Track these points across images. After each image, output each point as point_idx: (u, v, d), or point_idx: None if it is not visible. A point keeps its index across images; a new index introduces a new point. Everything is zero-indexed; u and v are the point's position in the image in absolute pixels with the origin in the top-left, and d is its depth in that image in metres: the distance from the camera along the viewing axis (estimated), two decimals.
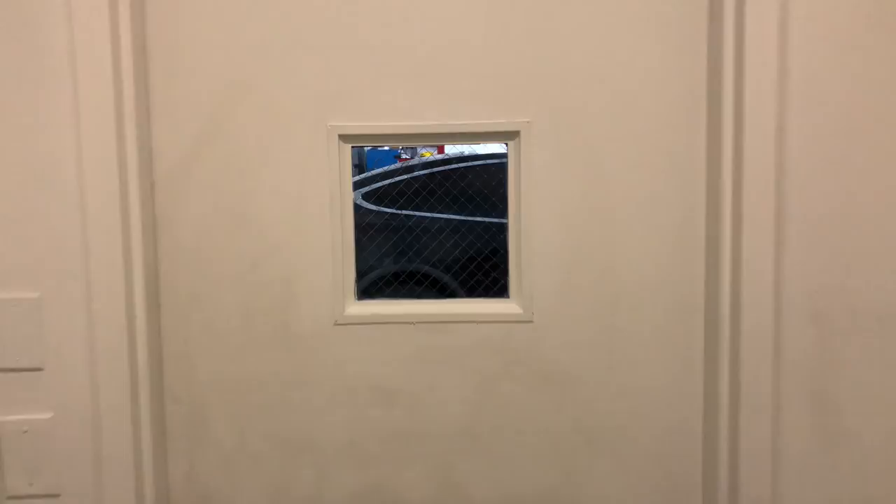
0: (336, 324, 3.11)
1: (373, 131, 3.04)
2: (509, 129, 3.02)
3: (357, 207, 4.73)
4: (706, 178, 3.02)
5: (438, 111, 3.01)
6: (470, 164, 5.13)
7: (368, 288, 4.63)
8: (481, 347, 3.13)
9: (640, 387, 3.13)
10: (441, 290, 4.68)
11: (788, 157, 2.77)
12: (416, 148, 11.02)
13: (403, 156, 10.62)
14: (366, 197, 5.08)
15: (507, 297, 3.18)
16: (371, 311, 3.14)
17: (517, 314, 3.11)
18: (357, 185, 4.91)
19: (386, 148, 11.21)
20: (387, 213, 4.95)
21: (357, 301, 3.18)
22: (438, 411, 3.10)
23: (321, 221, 3.06)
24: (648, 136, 3.01)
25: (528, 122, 3.02)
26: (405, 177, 5.16)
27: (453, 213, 4.74)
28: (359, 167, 10.30)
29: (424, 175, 5.17)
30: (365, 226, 4.64)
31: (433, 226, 4.76)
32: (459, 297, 4.70)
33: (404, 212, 4.88)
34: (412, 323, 3.12)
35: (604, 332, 3.10)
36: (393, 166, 5.91)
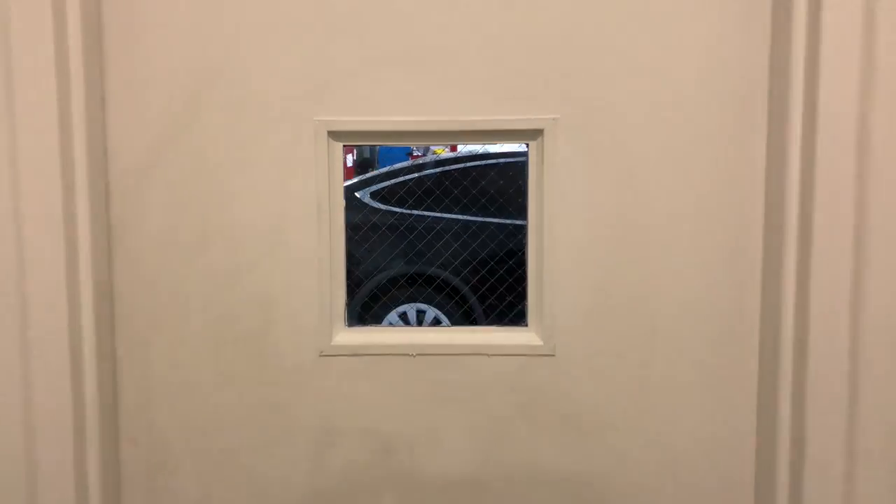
0: (322, 355, 2.66)
1: (368, 128, 2.58)
2: (532, 126, 2.58)
3: (364, 206, 4.58)
4: (765, 187, 2.55)
5: (447, 105, 2.56)
6: (485, 162, 4.83)
7: (373, 292, 4.50)
8: (493, 385, 2.69)
9: (679, 436, 2.67)
10: (450, 295, 4.49)
11: (871, 164, 2.29)
12: (429, 146, 10.64)
13: (416, 153, 10.19)
14: (374, 196, 4.85)
15: (525, 325, 2.71)
16: (363, 340, 2.68)
17: (536, 346, 2.65)
18: (365, 184, 4.81)
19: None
20: (395, 212, 4.69)
21: (347, 327, 2.72)
22: (442, 459, 2.72)
23: (306, 233, 2.61)
24: (696, 138, 2.56)
25: (553, 119, 2.55)
26: (415, 175, 4.90)
27: (465, 214, 4.50)
28: (369, 163, 9.93)
29: (436, 174, 4.91)
30: (372, 226, 4.45)
31: (444, 227, 4.51)
32: (470, 301, 4.66)
33: (414, 212, 4.65)
34: (412, 355, 2.66)
35: (638, 369, 2.65)
36: (403, 164, 5.70)
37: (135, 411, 2.70)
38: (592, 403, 2.67)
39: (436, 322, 4.87)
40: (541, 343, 2.66)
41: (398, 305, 4.68)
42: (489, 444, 2.71)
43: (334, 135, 2.60)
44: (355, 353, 2.68)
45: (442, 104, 2.57)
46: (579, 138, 2.57)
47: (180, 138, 2.59)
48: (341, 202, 2.66)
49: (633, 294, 2.64)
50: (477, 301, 4.56)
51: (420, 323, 4.89)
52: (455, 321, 4.73)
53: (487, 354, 2.67)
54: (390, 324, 4.84)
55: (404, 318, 4.82)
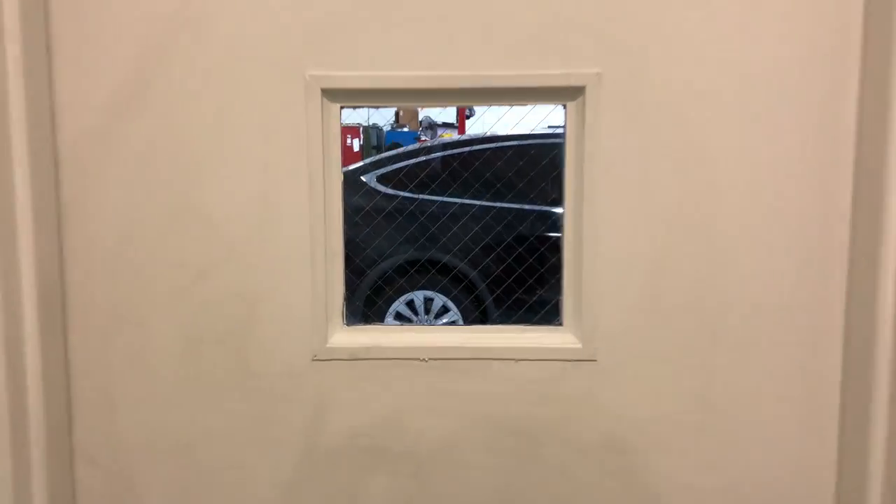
0: (315, 359, 2.23)
1: (371, 84, 2.12)
2: (569, 83, 2.15)
3: (371, 191, 4.53)
4: (853, 165, 2.12)
5: (465, 58, 2.12)
6: (496, 145, 4.68)
7: (380, 280, 4.39)
8: (521, 396, 2.27)
9: (745, 458, 2.25)
10: (459, 282, 4.35)
11: None
12: (436, 129, 10.32)
13: (423, 137, 9.91)
14: (381, 180, 4.74)
15: (560, 323, 2.25)
16: (365, 342, 2.25)
17: (574, 350, 2.23)
18: (372, 168, 4.74)
19: (406, 129, 10.53)
20: (403, 197, 4.55)
21: (345, 326, 2.28)
22: (458, 484, 2.31)
23: (296, 214, 2.18)
24: (775, 105, 2.12)
25: (596, 74, 2.09)
26: (423, 158, 4.81)
27: (475, 199, 4.36)
28: (376, 149, 9.66)
29: (445, 157, 4.79)
30: (379, 211, 4.34)
31: (453, 212, 4.35)
32: (480, 292, 4.55)
33: (422, 196, 4.50)
34: (423, 360, 2.22)
35: (696, 380, 2.24)
36: (411, 147, 5.60)
37: (93, 426, 2.29)
38: (640, 420, 2.25)
39: (444, 310, 4.66)
40: (579, 346, 2.22)
41: (405, 293, 4.52)
42: (515, 466, 2.29)
43: (330, 94, 2.15)
44: (355, 356, 2.24)
45: (459, 58, 2.13)
46: (628, 99, 2.12)
47: (144, 98, 2.14)
48: (338, 177, 2.21)
49: (691, 290, 2.19)
50: (486, 289, 4.43)
51: (427, 311, 4.67)
52: (464, 309, 4.58)
53: (514, 359, 2.24)
54: (397, 312, 4.64)
55: (411, 306, 4.63)
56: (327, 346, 2.23)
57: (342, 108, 2.18)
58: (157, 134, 2.15)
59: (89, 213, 2.19)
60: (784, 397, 2.21)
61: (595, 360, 2.23)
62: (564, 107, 2.18)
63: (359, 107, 2.20)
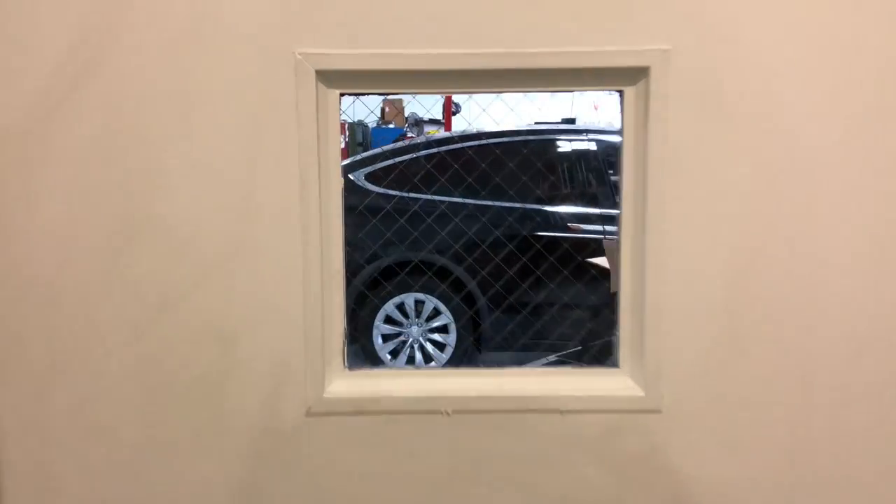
0: (310, 413, 1.78)
1: (378, 65, 1.67)
2: (629, 63, 1.72)
3: (359, 189, 4.28)
4: None
5: (499, 32, 1.68)
6: (488, 142, 4.46)
7: (368, 281, 4.25)
8: (568, 456, 1.81)
9: None
10: (452, 284, 4.22)
11: None
12: (422, 126, 9.96)
13: (409, 134, 9.58)
14: (368, 178, 4.54)
15: (615, 365, 1.81)
16: (371, 390, 1.80)
17: (634, 398, 1.80)
18: (358, 166, 4.56)
19: (391, 125, 10.21)
20: (392, 196, 4.31)
21: (347, 370, 1.81)
22: None
23: (284, 228, 1.70)
24: (883, 96, 1.68)
25: (663, 51, 1.64)
26: (413, 155, 4.60)
27: (466, 197, 4.14)
28: (362, 146, 9.47)
29: (436, 154, 4.56)
30: (368, 210, 4.13)
31: (443, 210, 4.14)
32: (473, 295, 4.36)
33: (413, 195, 4.25)
34: (446, 413, 1.76)
35: (783, 431, 1.80)
36: (398, 144, 5.37)
37: (20, 495, 1.77)
38: (716, 482, 1.81)
39: (435, 313, 4.39)
40: (640, 393, 1.78)
41: (395, 296, 4.33)
42: None
43: (327, 77, 1.70)
44: (360, 409, 1.78)
45: (491, 32, 1.68)
46: (702, 83, 1.69)
47: (87, 88, 1.67)
48: (338, 181, 1.75)
49: (778, 322, 1.78)
50: (478, 288, 4.25)
51: (419, 315, 4.37)
52: (456, 311, 4.35)
53: (560, 410, 1.79)
54: (387, 316, 4.39)
55: (401, 309, 4.39)
56: (325, 396, 1.76)
57: (342, 95, 1.73)
58: (107, 123, 1.69)
59: (16, 234, 1.71)
60: (891, 454, 1.77)
61: (660, 411, 1.78)
62: (620, 94, 1.75)
63: (364, 94, 1.75)
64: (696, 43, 1.68)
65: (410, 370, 1.82)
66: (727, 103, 1.69)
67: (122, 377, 1.75)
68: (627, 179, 1.75)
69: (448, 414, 1.78)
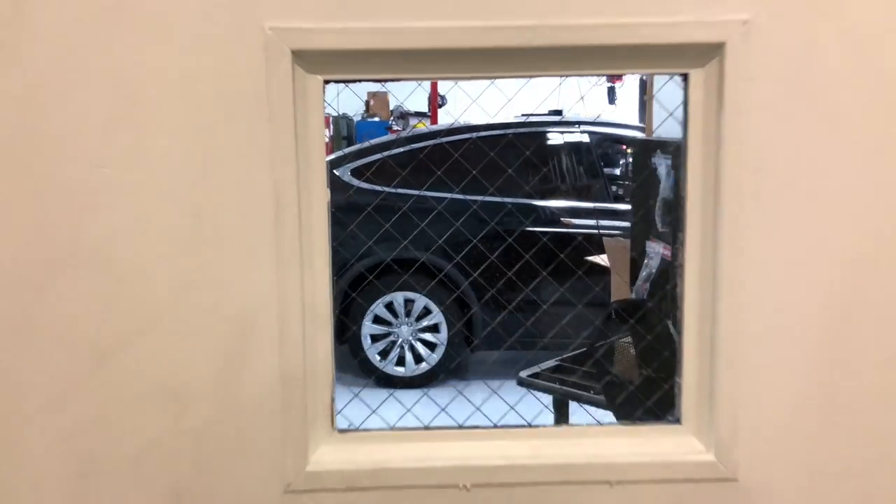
0: (289, 490, 1.39)
1: (372, 44, 1.28)
2: (700, 39, 1.34)
3: (344, 185, 4.22)
4: None
5: (517, 1, 1.27)
6: (477, 134, 4.33)
7: (355, 280, 4.19)
8: None
9: None
10: (441, 282, 4.15)
11: None
12: (408, 119, 9.66)
13: (395, 127, 9.36)
14: (354, 174, 4.48)
15: (677, 421, 1.43)
16: (368, 459, 1.42)
17: (703, 463, 1.43)
18: (342, 161, 4.53)
19: (377, 118, 9.92)
20: (379, 191, 4.26)
21: (336, 432, 1.43)
22: None
23: (256, 255, 1.31)
24: None
25: (742, 21, 1.26)
26: (401, 150, 4.51)
27: (455, 192, 4.00)
28: (347, 140, 9.39)
29: (423, 148, 4.48)
30: (354, 207, 4.01)
31: (431, 207, 3.95)
32: (464, 294, 4.36)
33: (400, 190, 4.14)
34: (464, 487, 1.38)
35: None
36: (384, 138, 5.36)
37: None
38: None
39: (426, 312, 4.31)
40: (710, 458, 1.41)
41: (382, 295, 4.29)
42: None
43: (305, 59, 1.30)
44: (353, 485, 1.40)
45: (515, 2, 1.29)
46: (793, 62, 1.30)
47: (12, 56, 1.28)
48: (323, 193, 1.36)
49: (885, 369, 1.37)
50: (470, 287, 4.19)
51: (408, 314, 4.32)
52: (447, 310, 4.26)
53: (609, 482, 1.41)
54: (375, 315, 4.28)
55: (390, 308, 4.32)
56: (308, 468, 1.38)
57: (327, 82, 1.34)
58: (16, 132, 1.29)
59: None
60: None
61: (736, 480, 1.40)
62: (684, 78, 1.36)
63: (354, 81, 1.36)
64: (784, 12, 1.30)
65: (416, 431, 1.44)
66: (825, 89, 1.31)
67: (44, 451, 1.35)
68: (693, 187, 1.37)
69: (467, 489, 1.40)
